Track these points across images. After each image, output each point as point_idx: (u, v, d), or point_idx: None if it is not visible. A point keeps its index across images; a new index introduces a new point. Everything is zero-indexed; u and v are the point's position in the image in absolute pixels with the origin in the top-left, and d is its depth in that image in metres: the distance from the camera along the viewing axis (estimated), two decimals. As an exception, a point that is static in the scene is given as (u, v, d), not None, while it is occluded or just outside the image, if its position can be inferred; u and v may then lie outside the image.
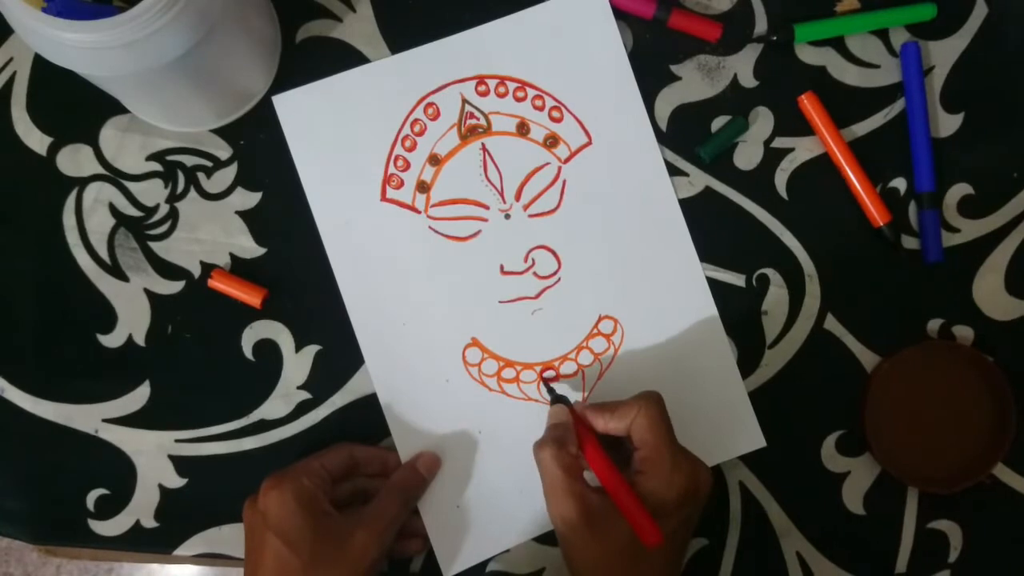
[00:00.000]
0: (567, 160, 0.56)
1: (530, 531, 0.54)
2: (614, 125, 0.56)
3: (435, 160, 0.55)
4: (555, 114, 0.56)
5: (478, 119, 0.55)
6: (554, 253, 0.56)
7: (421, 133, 0.55)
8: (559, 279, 0.55)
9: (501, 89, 0.55)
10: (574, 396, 0.55)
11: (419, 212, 0.55)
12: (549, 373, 0.55)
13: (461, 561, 0.54)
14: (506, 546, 0.54)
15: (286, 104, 0.54)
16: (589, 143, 0.56)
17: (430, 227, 0.55)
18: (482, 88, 0.55)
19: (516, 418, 0.55)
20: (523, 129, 0.56)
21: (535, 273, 0.55)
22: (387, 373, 0.54)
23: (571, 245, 0.55)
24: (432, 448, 0.54)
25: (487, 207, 0.55)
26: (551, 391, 0.53)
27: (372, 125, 0.55)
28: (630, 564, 0.46)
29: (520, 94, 0.56)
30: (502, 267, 0.55)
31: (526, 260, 0.55)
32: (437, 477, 0.54)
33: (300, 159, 0.54)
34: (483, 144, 0.55)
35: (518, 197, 0.55)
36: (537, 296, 0.55)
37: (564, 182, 0.56)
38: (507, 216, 0.55)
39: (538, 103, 0.56)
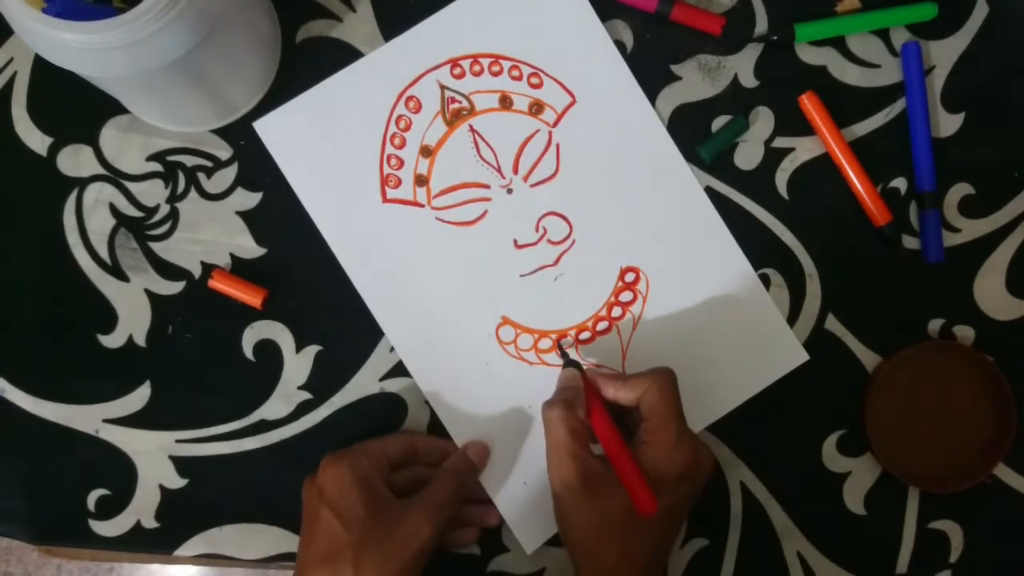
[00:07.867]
0: (555, 123, 0.55)
1: None
2: (594, 79, 0.55)
3: (427, 151, 0.55)
4: (534, 80, 0.55)
5: (460, 102, 0.55)
6: (563, 217, 0.55)
7: (407, 128, 0.55)
8: (573, 241, 0.55)
9: (475, 68, 0.55)
10: (615, 354, 0.55)
11: (423, 206, 0.55)
12: (566, 341, 0.55)
13: (539, 535, 0.54)
14: None
15: (268, 127, 0.54)
16: (574, 102, 0.56)
17: (437, 218, 0.55)
18: (457, 71, 0.55)
19: None
20: (506, 102, 0.55)
21: (549, 240, 0.55)
22: (428, 370, 0.54)
23: (578, 205, 0.55)
24: (487, 431, 0.54)
25: (488, 186, 0.55)
26: (564, 355, 0.54)
27: (358, 130, 0.54)
28: (621, 535, 0.47)
29: (495, 68, 0.55)
30: (515, 241, 0.55)
31: (537, 229, 0.55)
32: (500, 458, 0.54)
33: (294, 179, 0.54)
34: (470, 125, 0.55)
35: (516, 170, 0.55)
36: (556, 262, 0.55)
37: (557, 145, 0.55)
38: (509, 191, 0.55)
39: (515, 73, 0.55)
